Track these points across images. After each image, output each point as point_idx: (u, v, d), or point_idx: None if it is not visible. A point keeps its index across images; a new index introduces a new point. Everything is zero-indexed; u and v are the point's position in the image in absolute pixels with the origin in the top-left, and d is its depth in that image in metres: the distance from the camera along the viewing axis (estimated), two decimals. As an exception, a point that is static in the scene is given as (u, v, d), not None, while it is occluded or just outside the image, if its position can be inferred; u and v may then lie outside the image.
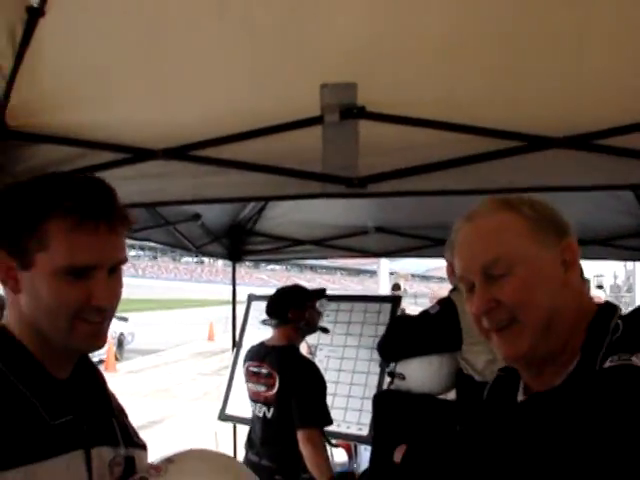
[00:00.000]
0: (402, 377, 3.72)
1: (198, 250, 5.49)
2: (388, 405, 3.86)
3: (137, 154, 2.57)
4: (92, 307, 1.30)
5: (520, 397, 1.39)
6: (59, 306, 1.29)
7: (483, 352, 3.45)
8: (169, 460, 1.44)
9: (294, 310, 3.98)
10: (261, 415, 3.94)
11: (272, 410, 3.86)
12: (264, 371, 3.97)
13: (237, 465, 1.67)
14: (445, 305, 3.61)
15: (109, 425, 1.45)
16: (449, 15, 2.17)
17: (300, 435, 3.66)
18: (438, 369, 3.64)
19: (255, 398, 4.02)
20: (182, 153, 2.53)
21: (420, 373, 3.68)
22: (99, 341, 1.37)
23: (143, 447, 1.56)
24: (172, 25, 2.27)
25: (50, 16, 2.22)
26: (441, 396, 3.81)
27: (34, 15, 2.21)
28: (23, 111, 2.55)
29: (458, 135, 2.35)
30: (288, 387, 3.80)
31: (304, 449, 3.65)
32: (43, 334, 1.33)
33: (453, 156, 2.38)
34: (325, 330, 4.36)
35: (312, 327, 4.08)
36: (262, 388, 3.96)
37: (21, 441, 1.23)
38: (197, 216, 4.91)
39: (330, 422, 3.78)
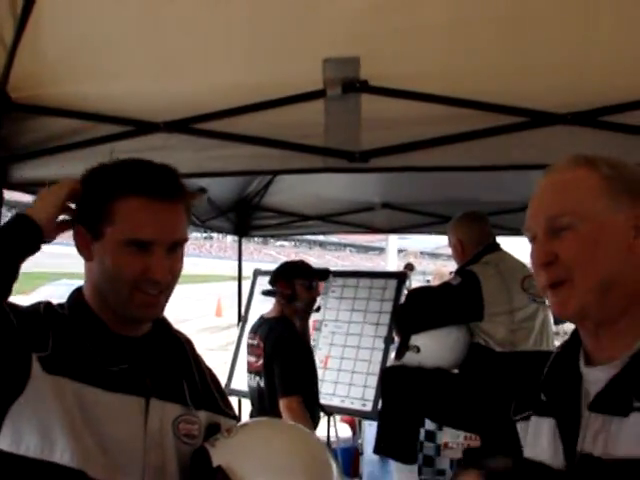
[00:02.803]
0: (417, 350, 3.69)
1: (204, 225, 5.48)
2: (397, 380, 3.87)
3: (140, 127, 2.56)
4: (148, 279, 1.46)
5: (582, 366, 1.34)
6: (119, 273, 1.46)
7: (503, 323, 3.48)
8: (241, 425, 1.68)
9: (282, 283, 4.06)
10: (255, 385, 4.03)
11: (263, 380, 3.92)
12: (255, 342, 4.07)
13: (301, 430, 1.79)
14: (467, 276, 3.63)
15: (179, 386, 1.60)
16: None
17: (281, 404, 3.76)
18: (455, 341, 3.65)
19: (249, 368, 4.13)
20: (184, 126, 2.53)
21: (437, 345, 3.66)
22: (154, 311, 1.54)
23: (233, 417, 1.75)
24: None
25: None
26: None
27: (35, -15, 2.21)
28: (26, 83, 2.55)
29: (461, 110, 2.33)
30: (270, 357, 3.90)
31: (284, 418, 3.70)
32: (107, 299, 1.52)
33: (456, 131, 2.37)
34: (316, 310, 4.35)
35: (299, 304, 4.07)
36: (253, 359, 4.06)
37: (88, 371, 1.46)
38: (203, 190, 4.90)
39: (303, 391, 3.82)
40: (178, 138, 2.55)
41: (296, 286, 4.02)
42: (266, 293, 4.18)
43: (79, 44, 2.43)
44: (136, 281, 1.46)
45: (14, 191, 2.81)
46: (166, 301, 1.55)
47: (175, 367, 1.63)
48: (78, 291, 1.60)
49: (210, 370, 1.78)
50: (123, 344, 1.54)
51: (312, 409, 3.99)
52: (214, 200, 5.23)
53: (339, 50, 2.30)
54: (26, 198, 2.81)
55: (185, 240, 1.55)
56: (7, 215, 1.79)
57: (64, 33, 2.40)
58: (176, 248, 1.52)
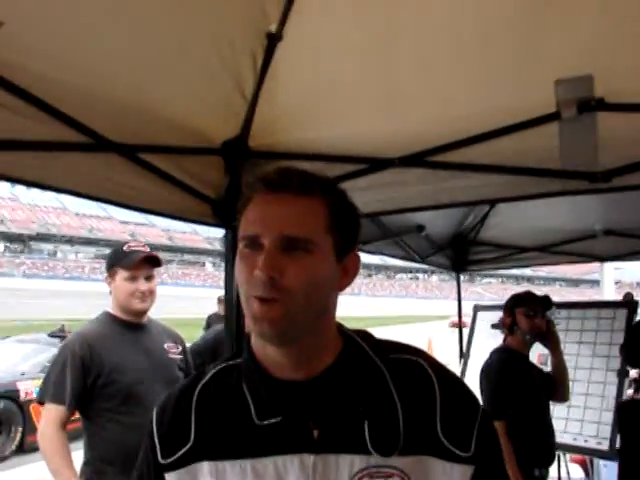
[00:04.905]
0: None
1: (424, 261, 5.54)
2: (637, 416, 3.68)
3: (374, 164, 2.63)
4: (255, 280, 1.21)
5: None
6: (238, 281, 1.27)
7: None
8: None
9: (505, 314, 4.09)
10: None
11: None
12: None
13: None
14: None
15: (358, 430, 1.26)
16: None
17: None
18: None
19: None
20: (418, 159, 2.57)
21: None
22: (269, 325, 1.22)
23: (465, 460, 1.28)
24: (402, 36, 2.29)
25: (287, 39, 2.34)
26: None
27: (273, 40, 2.34)
28: (263, 131, 2.71)
29: None
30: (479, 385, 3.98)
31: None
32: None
33: None
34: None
35: (522, 333, 4.02)
36: None
37: (234, 436, 1.30)
38: (421, 227, 4.96)
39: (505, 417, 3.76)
40: (412, 172, 2.59)
41: (517, 315, 4.03)
42: (494, 326, 4.18)
43: (311, 91, 2.54)
44: (247, 283, 1.23)
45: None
46: (293, 316, 1.23)
47: (356, 406, 1.29)
48: None
49: (450, 402, 1.32)
50: (279, 391, 1.30)
51: (541, 444, 3.90)
52: (432, 237, 5.28)
53: (570, 70, 2.24)
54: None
55: (310, 241, 1.24)
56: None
57: (297, 82, 2.52)
58: (298, 249, 1.23)
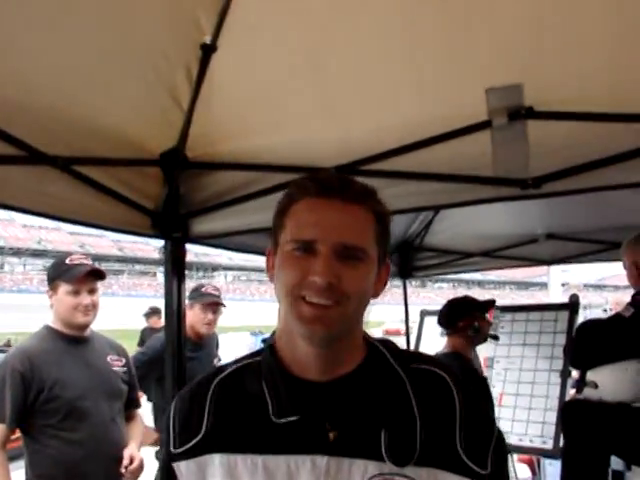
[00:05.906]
0: (594, 385, 3.60)
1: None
2: (580, 416, 3.73)
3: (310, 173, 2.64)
4: (309, 283, 1.24)
5: None
6: (283, 282, 1.28)
7: None
8: None
9: (463, 319, 4.06)
10: None
11: None
12: None
13: None
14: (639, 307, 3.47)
15: (374, 436, 1.27)
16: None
17: None
18: (635, 376, 3.49)
19: None
20: (354, 168, 2.59)
21: (615, 380, 3.54)
22: (321, 328, 1.24)
23: (482, 477, 1.27)
24: (336, 46, 2.31)
25: (221, 50, 2.34)
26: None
27: (208, 51, 2.34)
28: (201, 142, 2.72)
29: (634, 125, 2.25)
30: None
31: None
32: (284, 327, 1.35)
33: (630, 148, 2.28)
34: (495, 337, 4.37)
35: (481, 335, 4.10)
36: None
37: (249, 431, 1.31)
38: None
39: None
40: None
41: (477, 320, 4.07)
42: (448, 333, 4.16)
43: (248, 101, 2.55)
44: (298, 286, 1.25)
45: (196, 244, 2.98)
46: (346, 320, 1.27)
47: (375, 412, 1.29)
48: (274, 333, 1.43)
49: (470, 417, 1.32)
50: (299, 391, 1.31)
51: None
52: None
53: (501, 78, 2.29)
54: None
55: (364, 250, 1.28)
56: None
57: (233, 93, 2.53)
58: (352, 257, 1.26)
